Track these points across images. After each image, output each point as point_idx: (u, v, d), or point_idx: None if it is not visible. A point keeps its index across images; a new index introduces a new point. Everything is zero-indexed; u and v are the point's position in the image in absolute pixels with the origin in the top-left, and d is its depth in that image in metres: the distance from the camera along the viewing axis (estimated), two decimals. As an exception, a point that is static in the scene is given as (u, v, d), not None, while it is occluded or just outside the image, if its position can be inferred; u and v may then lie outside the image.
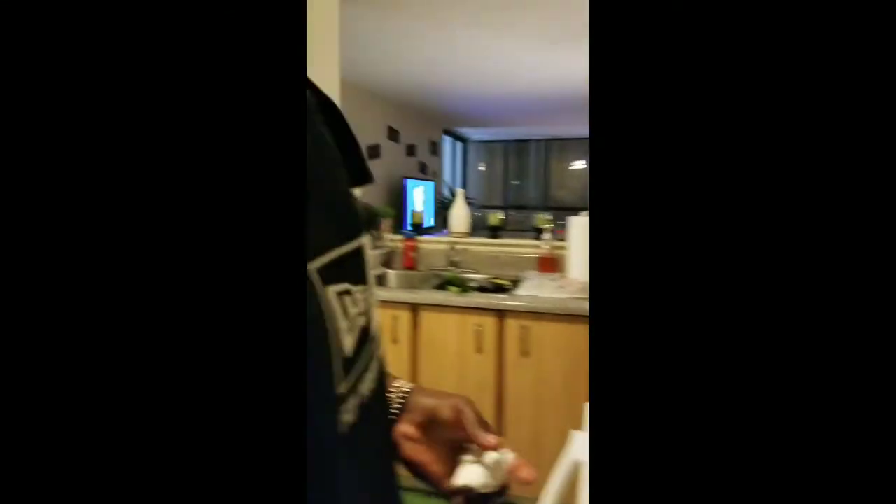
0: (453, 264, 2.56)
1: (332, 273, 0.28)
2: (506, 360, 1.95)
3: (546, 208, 7.50)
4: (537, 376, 1.91)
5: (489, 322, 1.95)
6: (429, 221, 4.80)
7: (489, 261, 2.57)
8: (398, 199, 4.53)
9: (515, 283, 2.22)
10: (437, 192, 5.90)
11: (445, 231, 3.56)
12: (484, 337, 1.96)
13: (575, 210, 2.41)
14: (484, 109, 5.53)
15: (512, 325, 1.93)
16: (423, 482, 0.46)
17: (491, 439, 0.43)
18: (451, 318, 1.99)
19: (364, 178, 0.38)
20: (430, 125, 5.96)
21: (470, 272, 2.46)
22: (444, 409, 0.45)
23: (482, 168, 8.07)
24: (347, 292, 0.29)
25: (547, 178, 7.87)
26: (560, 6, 2.48)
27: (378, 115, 4.59)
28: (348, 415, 0.29)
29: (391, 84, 4.27)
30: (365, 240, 0.33)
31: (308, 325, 0.25)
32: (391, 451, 0.42)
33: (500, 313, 1.94)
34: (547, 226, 2.54)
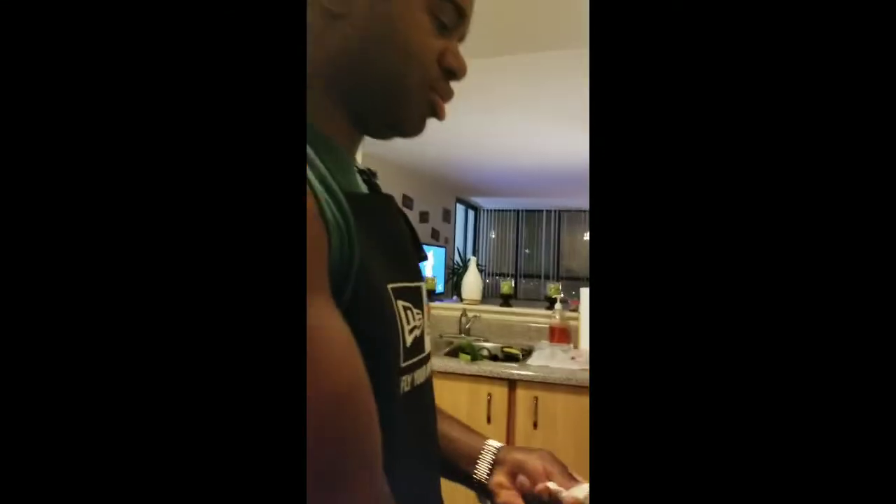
0: (465, 332, 2.56)
1: (400, 293, 0.43)
2: (515, 430, 1.91)
3: (557, 277, 7.51)
4: (548, 448, 1.86)
5: (500, 391, 1.93)
6: (440, 288, 4.83)
7: (501, 329, 2.57)
8: (410, 264, 4.55)
9: (527, 352, 2.21)
10: (448, 258, 5.96)
11: (455, 298, 3.57)
12: (494, 406, 1.93)
13: (585, 280, 2.43)
14: (495, 180, 5.68)
15: (522, 395, 1.90)
16: None
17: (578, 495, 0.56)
18: (462, 386, 1.97)
19: (422, 257, 0.56)
20: (443, 194, 6.11)
21: (481, 340, 2.45)
22: (533, 461, 0.61)
23: (493, 236, 8.17)
24: (409, 308, 0.44)
25: (558, 248, 7.93)
26: (566, 87, 2.62)
27: (393, 184, 4.73)
28: (406, 386, 0.43)
29: (406, 154, 4.43)
30: (424, 285, 0.51)
31: (386, 319, 0.40)
32: (434, 434, 0.52)
33: (511, 383, 1.92)
34: (559, 296, 2.55)
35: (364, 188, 0.50)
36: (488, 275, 7.65)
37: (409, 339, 0.44)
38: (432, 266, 5.00)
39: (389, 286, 0.42)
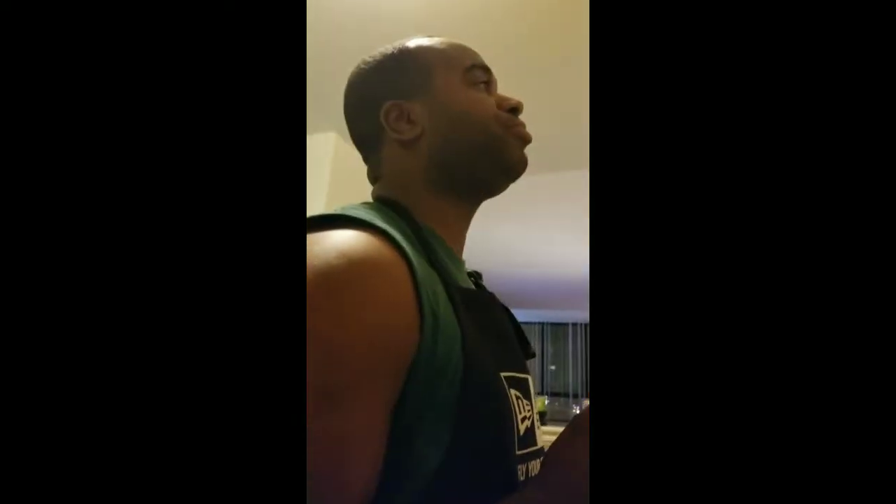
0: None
1: (511, 382, 0.44)
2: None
3: (588, 396, 7.10)
4: None
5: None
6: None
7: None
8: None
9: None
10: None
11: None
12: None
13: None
14: (516, 290, 5.58)
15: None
16: None
17: None
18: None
19: (530, 353, 0.58)
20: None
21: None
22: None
23: (517, 350, 7.88)
24: (520, 398, 0.45)
25: (587, 365, 7.57)
26: (585, 201, 2.59)
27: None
28: (521, 476, 0.42)
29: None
30: (531, 378, 0.51)
31: (501, 405, 0.41)
32: None
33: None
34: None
35: (473, 286, 0.54)
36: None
37: (522, 428, 0.44)
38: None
39: (502, 374, 0.43)
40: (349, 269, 0.36)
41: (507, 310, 0.57)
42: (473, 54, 0.56)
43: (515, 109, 0.54)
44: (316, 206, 2.12)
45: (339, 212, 0.43)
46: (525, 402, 0.46)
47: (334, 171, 2.14)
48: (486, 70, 0.55)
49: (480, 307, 0.48)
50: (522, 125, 0.54)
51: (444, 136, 0.51)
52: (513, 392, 0.43)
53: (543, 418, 2.54)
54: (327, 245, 0.37)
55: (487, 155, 0.52)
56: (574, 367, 7.66)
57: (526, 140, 0.54)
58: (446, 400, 0.37)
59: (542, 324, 7.88)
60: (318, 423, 0.31)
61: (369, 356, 0.34)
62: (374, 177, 0.56)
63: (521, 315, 7.53)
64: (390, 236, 0.40)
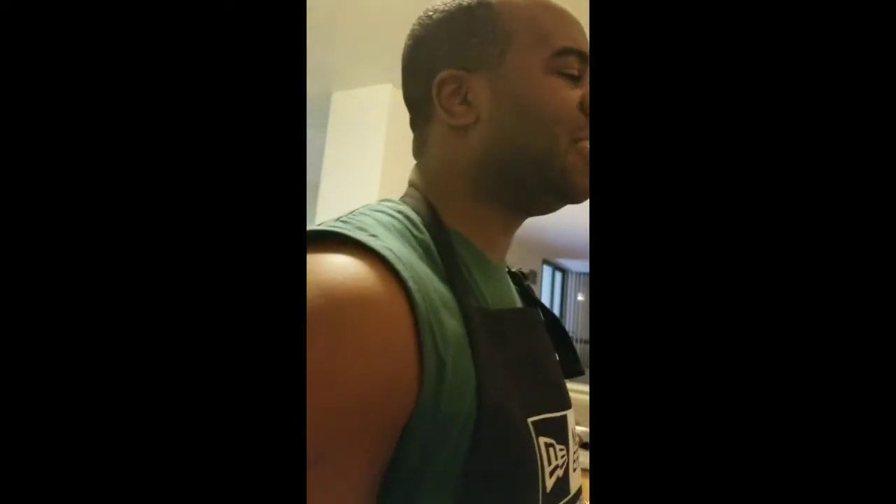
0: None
1: (542, 428, 0.38)
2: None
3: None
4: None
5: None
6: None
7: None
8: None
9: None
10: (535, 322, 5.71)
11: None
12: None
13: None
14: (586, 241, 5.48)
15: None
16: None
17: None
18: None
19: (576, 370, 0.50)
20: (529, 255, 5.98)
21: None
22: None
23: (581, 298, 7.83)
24: (552, 445, 0.38)
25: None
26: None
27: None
28: None
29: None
30: (570, 413, 0.44)
31: (524, 464, 0.35)
32: None
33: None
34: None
35: (514, 297, 0.47)
36: (575, 341, 7.24)
37: (550, 483, 0.38)
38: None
39: (530, 420, 0.37)
40: (332, 312, 0.30)
41: (553, 317, 0.50)
42: (575, 34, 0.42)
43: None
44: (373, 159, 2.18)
45: (333, 227, 0.35)
46: (558, 447, 0.39)
47: (390, 124, 2.17)
48: (583, 58, 0.42)
49: (511, 332, 0.40)
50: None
51: (503, 131, 0.41)
52: (542, 440, 0.37)
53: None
54: (309, 279, 0.31)
55: (541, 170, 0.41)
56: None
57: (587, 158, 0.42)
58: (450, 460, 0.32)
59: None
60: None
61: (351, 418, 0.30)
62: (416, 151, 0.47)
63: (587, 266, 7.42)
64: (390, 263, 0.33)
